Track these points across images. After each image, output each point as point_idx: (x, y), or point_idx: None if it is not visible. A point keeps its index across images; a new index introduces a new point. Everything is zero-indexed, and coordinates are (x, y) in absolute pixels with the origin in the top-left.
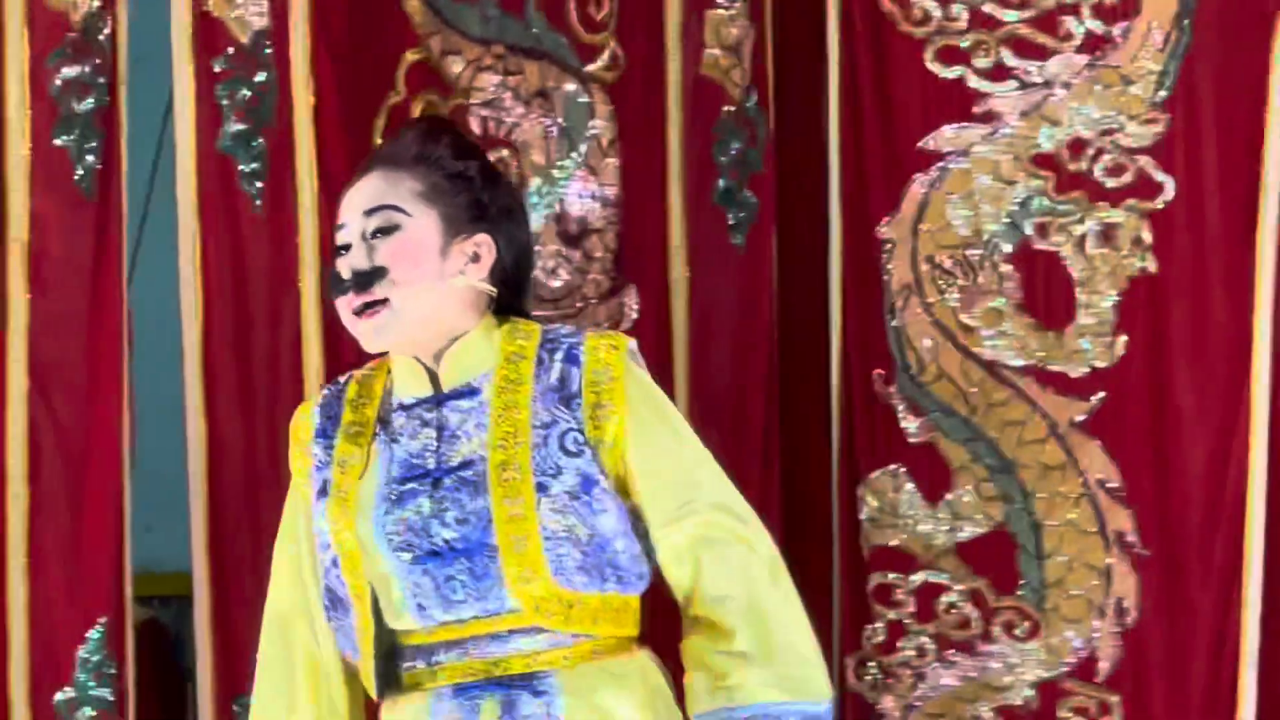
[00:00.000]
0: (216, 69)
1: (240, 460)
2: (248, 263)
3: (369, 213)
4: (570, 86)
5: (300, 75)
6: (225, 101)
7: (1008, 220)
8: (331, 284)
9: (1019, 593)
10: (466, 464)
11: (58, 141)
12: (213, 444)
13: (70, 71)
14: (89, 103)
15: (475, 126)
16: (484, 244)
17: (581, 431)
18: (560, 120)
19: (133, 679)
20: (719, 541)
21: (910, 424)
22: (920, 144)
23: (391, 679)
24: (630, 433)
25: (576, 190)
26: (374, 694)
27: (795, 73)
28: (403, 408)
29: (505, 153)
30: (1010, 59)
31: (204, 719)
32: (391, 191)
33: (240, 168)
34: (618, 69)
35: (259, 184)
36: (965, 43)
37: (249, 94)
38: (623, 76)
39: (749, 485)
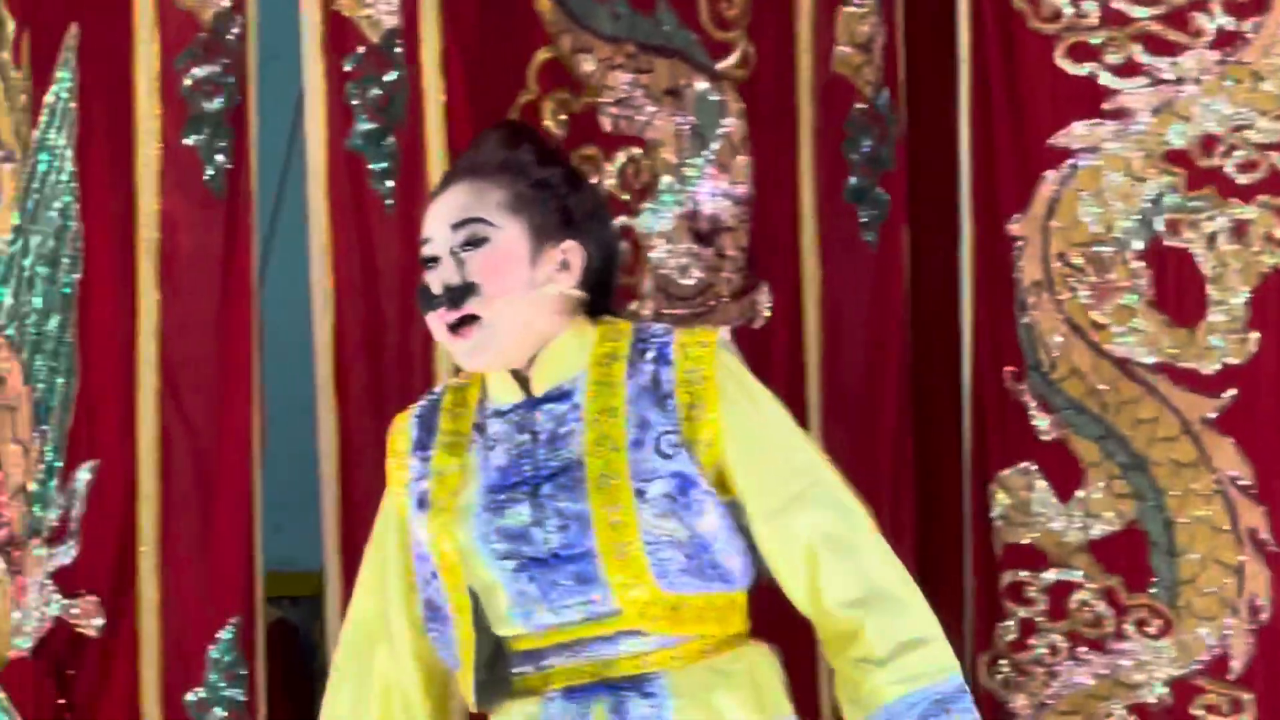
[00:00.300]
0: (347, 68)
1: (372, 459)
2: (378, 262)
3: (456, 226)
4: (701, 84)
5: (431, 74)
6: (356, 100)
7: (1138, 217)
8: (421, 299)
9: (1151, 590)
10: (564, 469)
11: (188, 141)
12: (344, 443)
13: (200, 71)
14: (219, 102)
15: (606, 125)
16: (572, 250)
17: (677, 433)
18: (691, 118)
19: (263, 679)
20: (830, 541)
21: (1041, 421)
22: (1051, 141)
23: (497, 686)
24: (727, 429)
25: (708, 188)
26: (473, 705)
27: (925, 70)
28: (498, 414)
29: (636, 151)
30: (1141, 55)
31: None
32: (477, 204)
33: (371, 167)
34: (749, 67)
35: (390, 183)
36: (1096, 39)
37: (379, 93)
38: (754, 74)
39: (881, 483)
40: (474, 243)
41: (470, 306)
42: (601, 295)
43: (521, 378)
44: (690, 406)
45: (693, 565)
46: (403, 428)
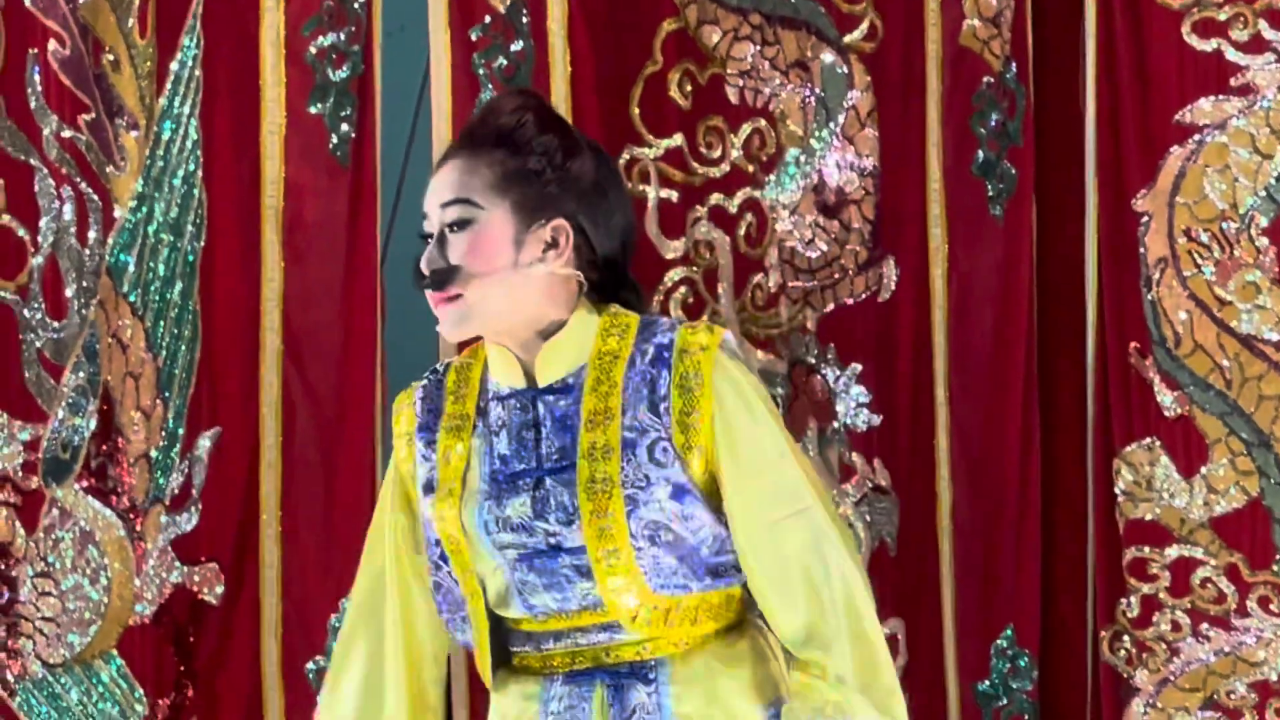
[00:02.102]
0: (473, 37)
1: None
2: None
3: (445, 206)
4: (828, 56)
5: (558, 44)
6: (482, 70)
7: (1264, 193)
8: (415, 276)
9: (1274, 568)
10: (564, 466)
11: (313, 110)
12: None
13: (326, 39)
14: (344, 71)
15: (732, 96)
16: (561, 229)
17: (670, 440)
18: (818, 90)
19: None
20: (815, 580)
21: (1165, 397)
22: (1177, 117)
23: (499, 659)
24: (720, 440)
25: (834, 161)
26: (490, 684)
27: (1052, 44)
28: (499, 398)
29: (762, 123)
30: (1268, 31)
31: (457, 694)
32: (466, 183)
33: None
34: (876, 39)
35: None
36: (1223, 15)
37: (506, 63)
38: (881, 47)
39: (1008, 457)
40: (460, 224)
41: (453, 288)
42: (611, 275)
43: (526, 365)
44: (684, 413)
45: (684, 569)
46: (406, 408)
